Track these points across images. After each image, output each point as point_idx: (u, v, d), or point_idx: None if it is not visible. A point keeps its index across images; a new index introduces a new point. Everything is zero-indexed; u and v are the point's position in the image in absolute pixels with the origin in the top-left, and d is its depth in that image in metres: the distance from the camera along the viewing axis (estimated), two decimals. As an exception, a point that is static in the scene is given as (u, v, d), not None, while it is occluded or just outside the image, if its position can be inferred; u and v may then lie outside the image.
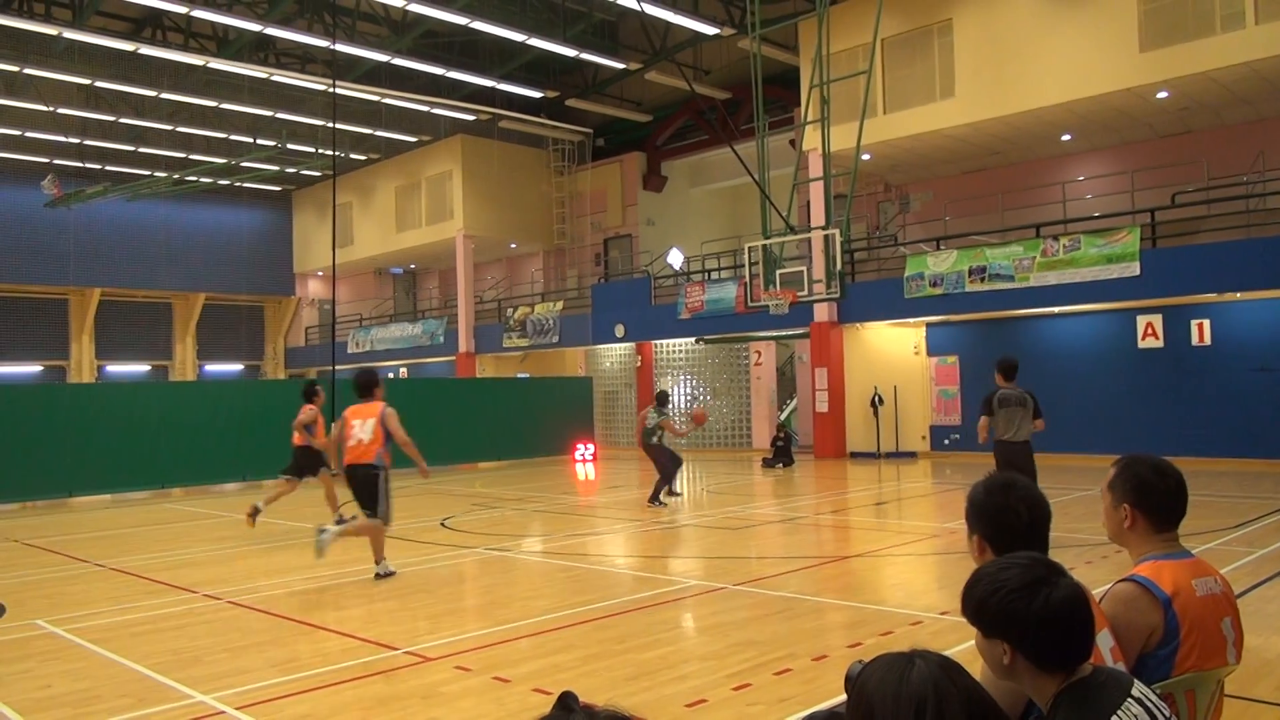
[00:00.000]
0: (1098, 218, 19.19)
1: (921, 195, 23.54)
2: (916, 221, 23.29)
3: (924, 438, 21.29)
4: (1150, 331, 18.15)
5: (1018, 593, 1.94)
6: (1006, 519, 2.53)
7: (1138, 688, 1.96)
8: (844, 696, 2.61)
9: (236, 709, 5.09)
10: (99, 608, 7.93)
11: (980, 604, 1.99)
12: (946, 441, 20.92)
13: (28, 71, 23.04)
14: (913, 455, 21.13)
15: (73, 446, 16.54)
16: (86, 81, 24.10)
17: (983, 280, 18.95)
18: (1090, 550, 8.93)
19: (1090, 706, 1.90)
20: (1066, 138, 20.23)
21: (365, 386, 9.44)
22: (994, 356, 19.89)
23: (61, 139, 28.24)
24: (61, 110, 25.97)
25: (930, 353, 21.34)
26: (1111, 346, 18.68)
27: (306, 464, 12.61)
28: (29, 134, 27.63)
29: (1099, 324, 18.95)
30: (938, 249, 20.32)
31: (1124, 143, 20.45)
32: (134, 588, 8.78)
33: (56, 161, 30.04)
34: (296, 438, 12.68)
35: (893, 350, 21.76)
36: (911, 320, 20.88)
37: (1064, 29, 17.73)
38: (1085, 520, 10.70)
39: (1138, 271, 17.03)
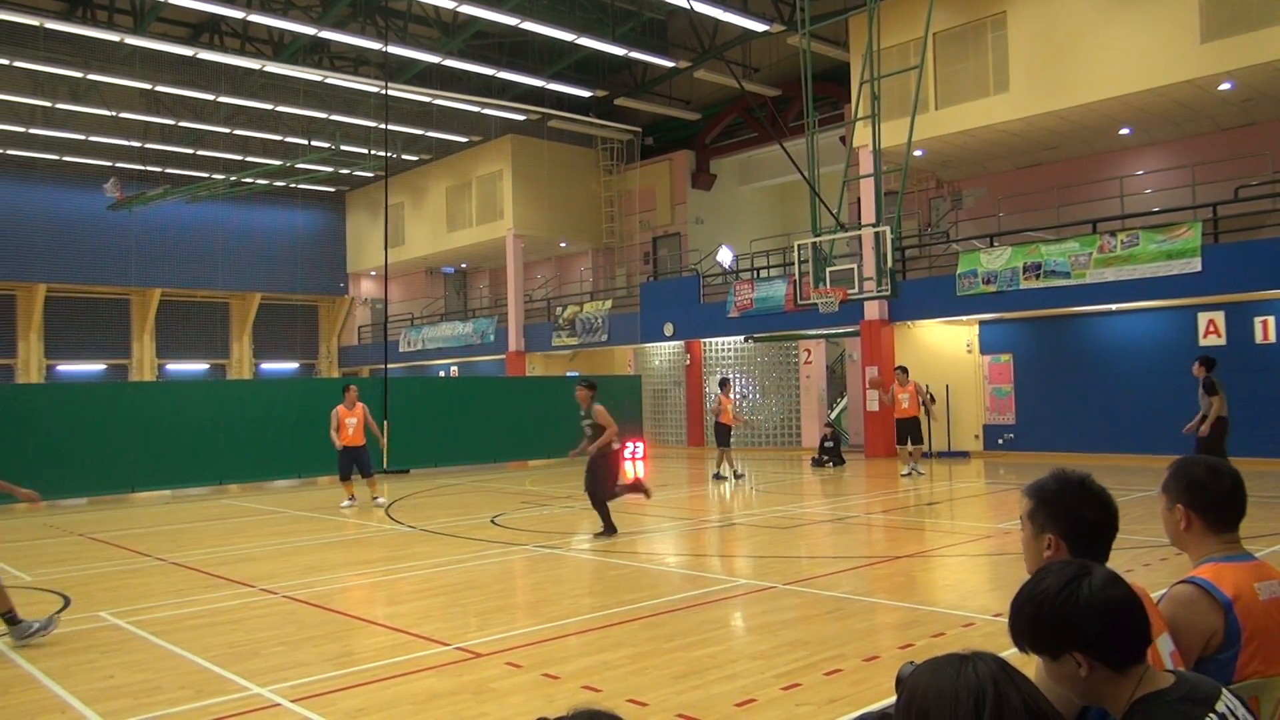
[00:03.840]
0: (1157, 213, 18.76)
1: (974, 191, 23.19)
2: (969, 218, 22.95)
3: (977, 437, 20.99)
4: (1212, 329, 17.69)
5: (1060, 595, 1.89)
6: (1089, 518, 2.48)
7: (1224, 701, 1.86)
8: (895, 698, 2.58)
9: (292, 701, 5.18)
10: (159, 601, 8.12)
11: (1034, 623, 1.92)
12: (1000, 441, 20.60)
13: (91, 77, 23.68)
14: (965, 455, 20.84)
15: (135, 443, 16.96)
16: (147, 86, 24.69)
17: (1038, 277, 18.62)
18: (1149, 552, 8.74)
19: None
20: (1125, 131, 19.79)
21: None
22: (1050, 354, 19.76)
23: (123, 143, 28.97)
24: (123, 115, 26.63)
25: (983, 351, 21.02)
26: (1171, 344, 18.23)
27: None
28: (93, 138, 28.38)
29: (1158, 321, 18.52)
30: (991, 246, 20.00)
31: (1185, 136, 19.95)
32: (193, 581, 8.98)
33: (119, 165, 30.85)
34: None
35: (945, 348, 21.48)
36: (964, 318, 20.59)
37: (1122, 20, 17.35)
38: (1144, 522, 10.47)
39: (1199, 268, 16.62)
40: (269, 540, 11.63)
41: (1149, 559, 8.49)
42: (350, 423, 14.63)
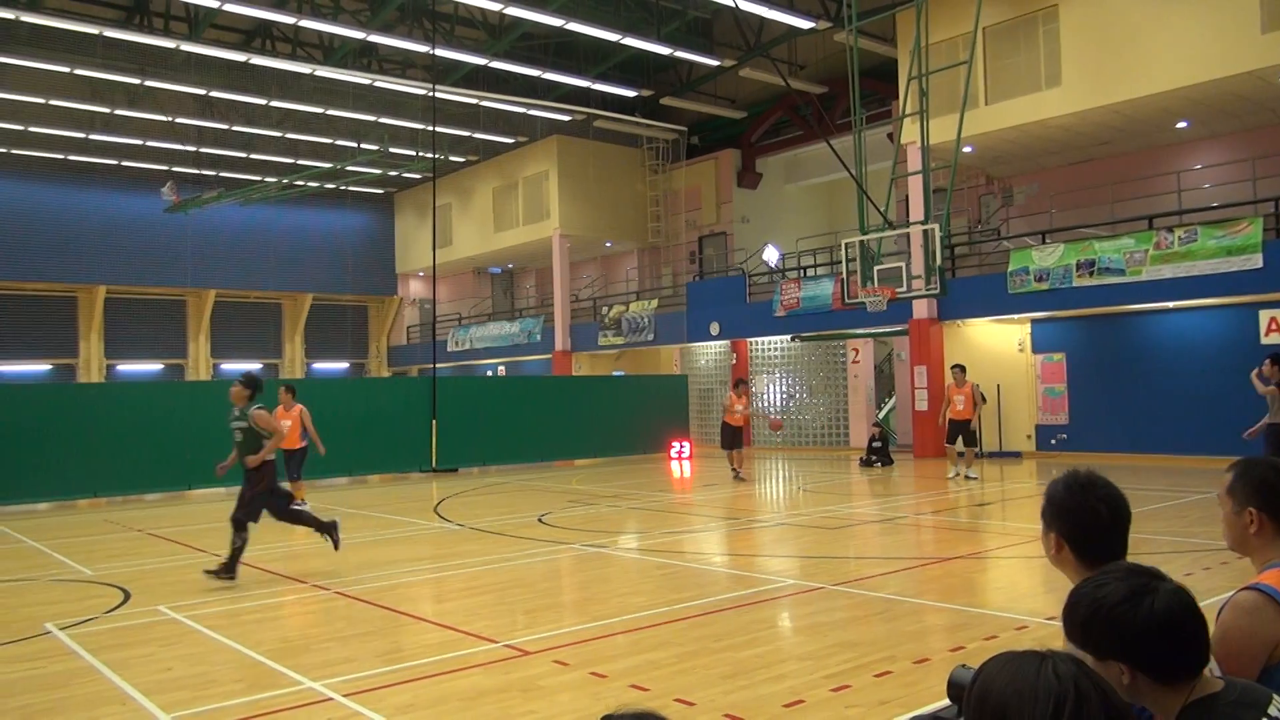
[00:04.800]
0: (1216, 208, 18.31)
1: (1026, 188, 22.82)
2: (1020, 215, 22.59)
3: (1029, 437, 20.65)
4: (1275, 326, 17.21)
5: (1120, 606, 1.84)
6: (1087, 518, 2.49)
7: (1277, 705, 1.83)
8: (946, 701, 2.54)
9: (343, 696, 5.25)
10: (215, 595, 8.28)
11: (1085, 627, 1.88)
12: (1053, 441, 20.25)
13: (148, 84, 24.22)
14: (1017, 455, 20.52)
15: (191, 441, 17.29)
16: (201, 91, 25.21)
17: (1091, 274, 18.27)
18: (1208, 555, 8.53)
19: None
20: (1182, 125, 19.34)
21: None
22: (1104, 353, 19.38)
23: (179, 147, 29.59)
24: (179, 120, 27.21)
25: (1036, 350, 20.68)
26: (1231, 342, 17.78)
27: None
28: (149, 143, 29.03)
29: (1218, 319, 18.07)
30: (1043, 243, 19.67)
31: (1245, 129, 19.43)
32: (247, 577, 9.13)
33: (175, 169, 31.52)
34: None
35: (996, 347, 21.16)
36: (1016, 316, 20.27)
37: (1179, 10, 16.95)
38: (1202, 524, 10.23)
39: (1260, 264, 16.18)
40: (319, 538, 11.77)
41: (1208, 562, 8.29)
42: (285, 425, 13.64)
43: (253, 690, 5.43)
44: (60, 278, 31.99)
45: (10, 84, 24.30)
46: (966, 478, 15.91)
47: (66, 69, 22.94)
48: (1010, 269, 19.53)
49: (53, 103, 25.35)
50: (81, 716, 5.11)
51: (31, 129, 27.13)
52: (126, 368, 34.05)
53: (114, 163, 31.14)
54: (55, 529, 13.26)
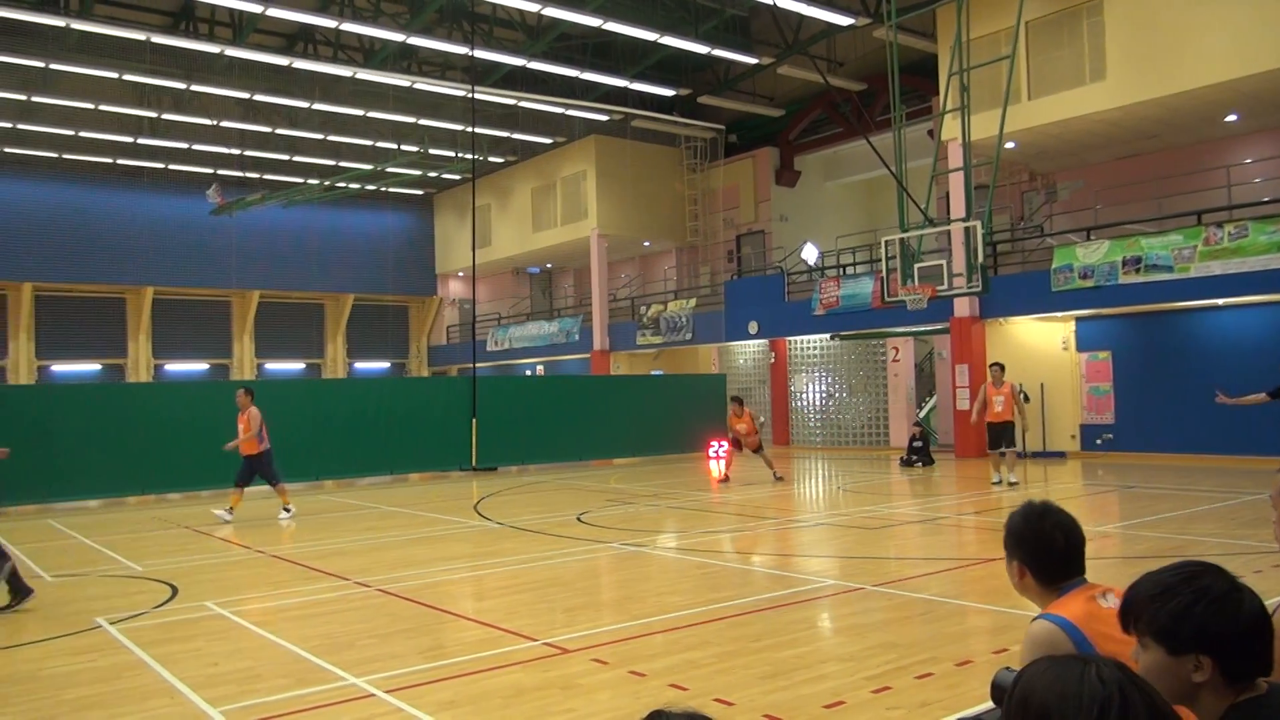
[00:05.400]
0: (1268, 203, 17.89)
1: (1070, 183, 22.48)
2: (1064, 211, 22.26)
3: (1074, 437, 20.34)
4: (1328, 324, 16.83)
5: (1222, 601, 1.83)
6: (1045, 544, 2.71)
7: None
8: (989, 704, 2.51)
9: (385, 692, 5.31)
10: (260, 591, 8.41)
11: (1178, 617, 1.84)
12: (1099, 441, 19.92)
13: (194, 88, 24.64)
14: (1061, 455, 20.22)
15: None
16: (246, 95, 25.59)
17: (1138, 271, 17.95)
18: (1259, 558, 8.36)
19: None
20: (1231, 118, 18.94)
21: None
22: (1151, 351, 19.04)
23: (223, 150, 30.08)
24: (224, 123, 27.65)
25: (1080, 348, 20.36)
26: (1283, 340, 17.40)
27: None
28: (195, 146, 29.54)
29: (1269, 316, 17.67)
30: (1088, 239, 19.36)
31: (1298, 121, 19.01)
32: (291, 574, 9.27)
33: (219, 172, 32.04)
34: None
35: (1039, 345, 20.87)
36: (1059, 314, 19.97)
37: (1228, 1, 16.60)
38: (1253, 527, 10.01)
39: (1314, 260, 15.81)
40: (362, 535, 11.93)
41: (1259, 565, 8.12)
42: (239, 428, 13.62)
43: (297, 685, 5.51)
44: (109, 279, 32.65)
45: (62, 90, 24.84)
46: (1009, 484, 15.01)
47: (115, 75, 23.41)
48: (1054, 266, 19.25)
49: (102, 108, 25.89)
50: (132, 709, 5.21)
51: (82, 134, 27.71)
52: (174, 368, 34.68)
53: (161, 166, 31.71)
54: (105, 525, 13.53)
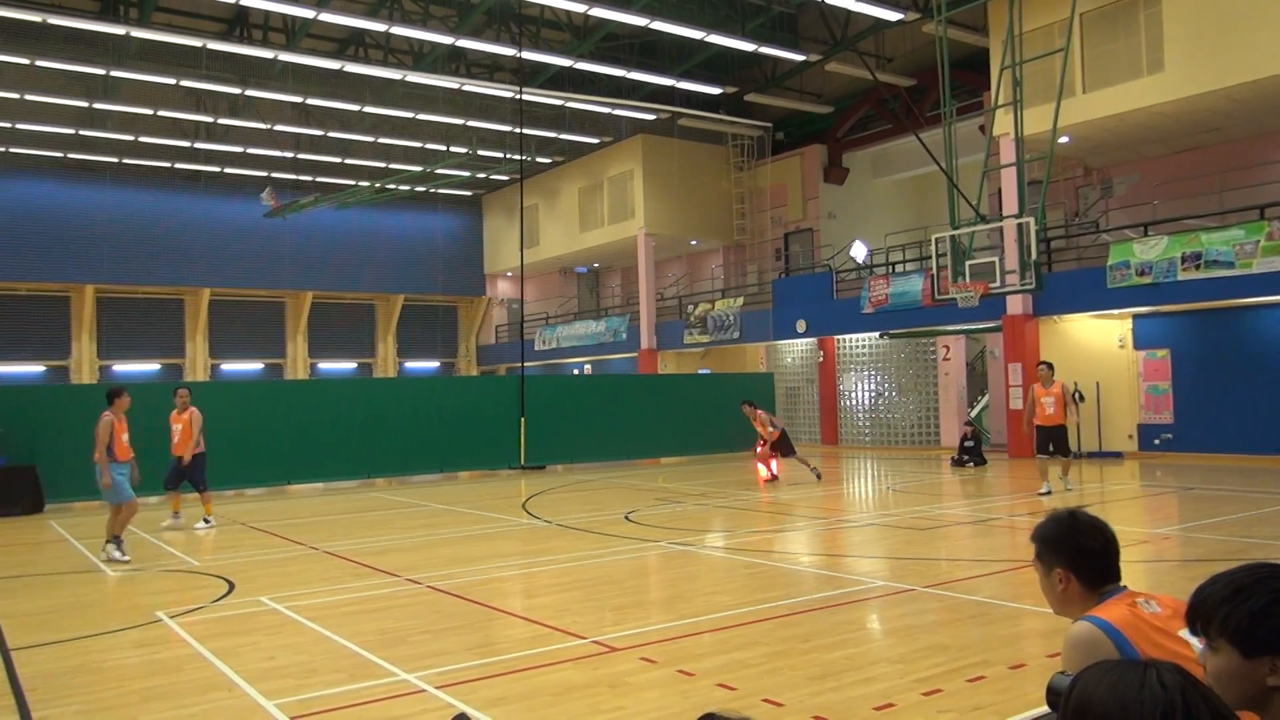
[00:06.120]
0: (1334, 196, 17.38)
1: (1126, 178, 22.03)
2: (1120, 206, 21.81)
3: (1131, 437, 19.93)
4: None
5: None
6: (1086, 547, 2.68)
7: None
8: (1044, 709, 2.48)
9: (437, 688, 5.38)
10: (314, 587, 8.56)
11: (1256, 618, 1.79)
12: (1157, 441, 19.50)
13: (248, 93, 25.12)
14: (1118, 455, 19.83)
15: (290, 438, 17.90)
16: (298, 100, 26.03)
17: (1197, 267, 17.53)
18: (1327, 562, 8.12)
19: None
20: (1296, 109, 18.43)
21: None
22: (1211, 349, 18.58)
23: (277, 154, 30.62)
24: (277, 127, 28.15)
25: (1138, 346, 19.94)
26: (1351, 338, 16.89)
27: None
28: (250, 150, 30.11)
29: (1336, 313, 17.17)
30: (1145, 235, 18.96)
31: (1366, 112, 18.42)
32: (344, 570, 9.42)
33: (274, 175, 32.63)
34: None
35: (1095, 343, 20.48)
36: (1116, 311, 19.58)
37: (1293, -10, 16.14)
38: (1320, 529, 9.74)
39: (1383, 254, 15.32)
40: (413, 532, 12.08)
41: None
42: (176, 429, 13.09)
43: (351, 680, 5.60)
44: (168, 281, 33.41)
45: (123, 97, 25.49)
46: (1066, 489, 14.10)
47: (173, 81, 23.95)
48: (1110, 262, 18.87)
49: (161, 113, 26.50)
50: (193, 700, 5.34)
51: (142, 139, 28.39)
52: (229, 367, 35.39)
53: (217, 170, 32.38)
54: (162, 521, 13.84)
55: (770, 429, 17.30)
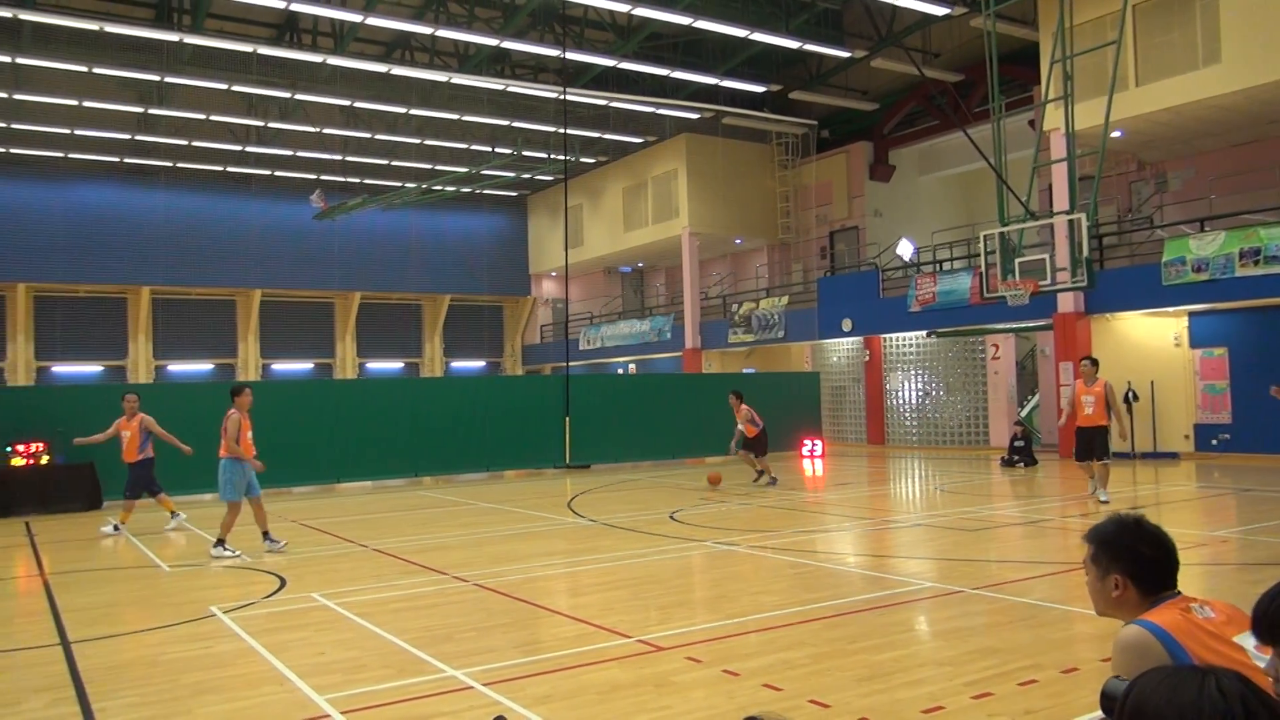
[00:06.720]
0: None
1: (1182, 172, 21.54)
2: (1175, 201, 21.34)
3: (1187, 437, 19.49)
4: None
5: None
6: (1148, 555, 2.62)
7: None
8: (1098, 714, 2.44)
9: (484, 685, 5.41)
10: (363, 584, 8.66)
11: None
12: (1214, 441, 19.05)
13: (298, 97, 25.52)
14: (1174, 456, 19.40)
15: (339, 437, 18.13)
16: (346, 103, 26.38)
17: (1256, 263, 17.09)
18: (1394, 567, 7.88)
19: None
20: (1360, 100, 17.89)
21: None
22: (1272, 347, 18.10)
23: (326, 156, 31.07)
24: (326, 130, 28.56)
25: (1194, 345, 19.49)
26: None
27: None
28: (300, 153, 30.58)
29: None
30: (1201, 230, 18.53)
31: None
32: (392, 567, 9.52)
33: (323, 177, 33.11)
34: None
35: (1149, 342, 20.06)
36: (1171, 309, 19.15)
37: (1357, -23, 15.68)
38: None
39: None
40: (460, 530, 12.18)
41: (1393, 573, 7.65)
42: (125, 435, 12.82)
43: (400, 676, 5.66)
44: (221, 283, 34.06)
45: (176, 102, 26.03)
46: (1099, 501, 12.84)
47: (225, 86, 24.40)
48: (1165, 259, 18.47)
49: (213, 118, 27.02)
50: (246, 694, 5.43)
51: (195, 143, 28.97)
52: (280, 367, 35.97)
53: (268, 173, 32.94)
54: (218, 518, 14.09)
55: (752, 425, 16.96)
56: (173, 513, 13.12)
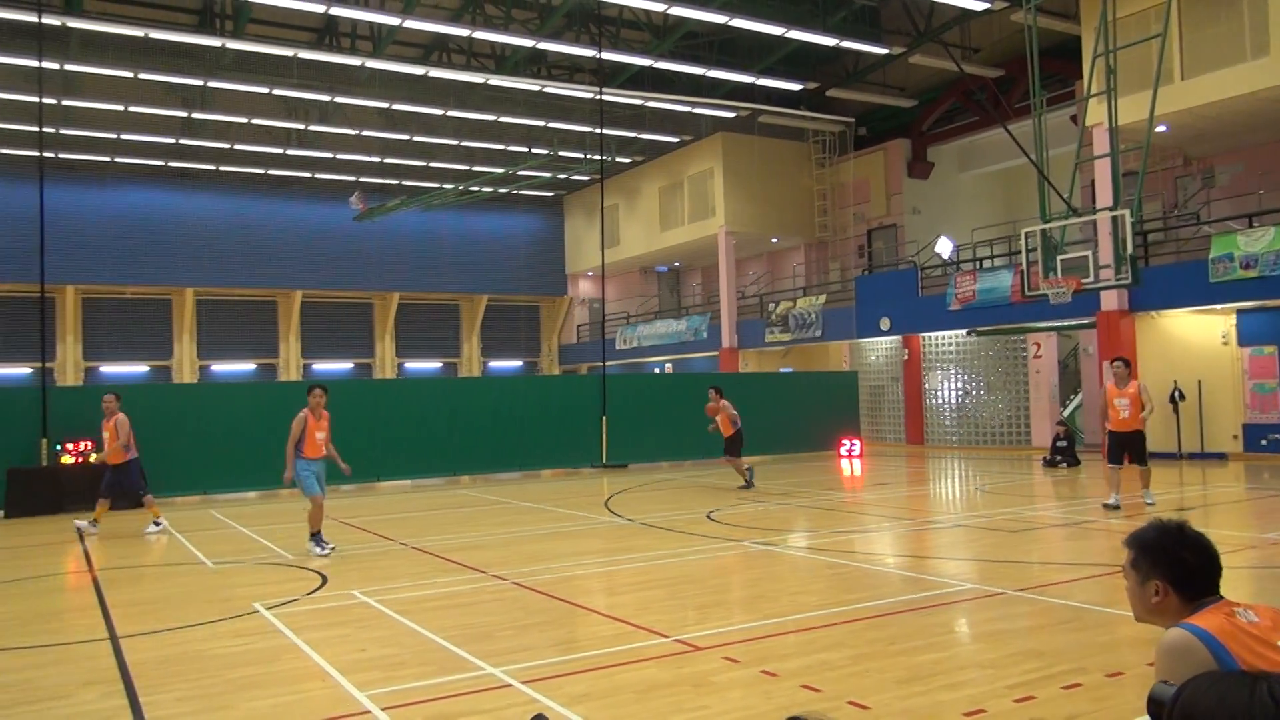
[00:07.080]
0: None
1: (1229, 167, 21.12)
2: (1223, 197, 20.92)
3: (1235, 437, 19.10)
4: None
5: None
6: (1190, 561, 2.58)
7: None
8: (1145, 718, 2.40)
9: (522, 683, 5.44)
10: (403, 582, 8.74)
11: None
12: (1264, 442, 18.65)
13: (337, 100, 25.81)
14: (1221, 457, 19.03)
15: (378, 436, 18.31)
16: (385, 105, 26.63)
17: (1307, 260, 16.70)
18: None
19: None
20: None
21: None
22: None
23: (365, 158, 31.39)
24: (365, 132, 28.85)
25: (1242, 343, 19.10)
26: None
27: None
28: (339, 155, 30.92)
29: None
30: (1250, 226, 18.14)
31: None
32: (431, 565, 9.60)
33: (362, 179, 33.46)
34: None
35: (1196, 340, 19.69)
36: (1219, 307, 18.78)
37: None
38: None
39: None
40: (497, 529, 12.25)
41: None
42: (104, 436, 12.90)
43: (439, 673, 5.70)
44: (262, 284, 34.53)
45: (219, 106, 26.44)
46: (1147, 503, 12.44)
47: (266, 90, 24.75)
48: (1212, 255, 18.12)
49: (255, 121, 27.40)
50: (288, 689, 5.50)
51: (237, 146, 29.40)
52: (320, 367, 36.39)
53: (307, 175, 33.35)
54: (262, 516, 14.32)
55: (731, 424, 16.60)
56: (156, 520, 12.94)
